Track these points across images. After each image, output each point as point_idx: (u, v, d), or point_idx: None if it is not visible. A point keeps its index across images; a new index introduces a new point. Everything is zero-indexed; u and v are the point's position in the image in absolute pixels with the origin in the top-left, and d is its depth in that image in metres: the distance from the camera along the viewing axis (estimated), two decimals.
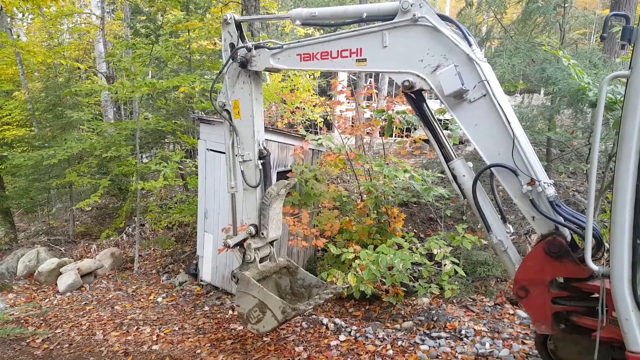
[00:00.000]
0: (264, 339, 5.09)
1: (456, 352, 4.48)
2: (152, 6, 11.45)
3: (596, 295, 3.11)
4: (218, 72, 4.69)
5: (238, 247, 4.60)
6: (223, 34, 4.38)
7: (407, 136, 11.90)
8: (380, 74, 12.50)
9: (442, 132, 3.88)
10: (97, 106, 14.70)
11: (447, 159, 3.76)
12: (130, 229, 10.21)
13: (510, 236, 3.53)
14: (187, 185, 9.61)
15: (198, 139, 7.29)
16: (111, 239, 9.99)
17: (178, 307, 6.67)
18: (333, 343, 4.84)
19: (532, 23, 8.07)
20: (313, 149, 7.04)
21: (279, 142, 6.57)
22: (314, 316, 5.48)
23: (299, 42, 4.07)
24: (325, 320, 5.31)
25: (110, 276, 8.45)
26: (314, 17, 4.01)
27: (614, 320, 2.70)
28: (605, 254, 3.53)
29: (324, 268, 6.35)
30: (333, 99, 10.66)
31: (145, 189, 8.65)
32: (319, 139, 6.33)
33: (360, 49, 3.76)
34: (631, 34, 2.49)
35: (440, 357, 4.39)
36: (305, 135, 6.44)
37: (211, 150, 6.86)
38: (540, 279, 3.28)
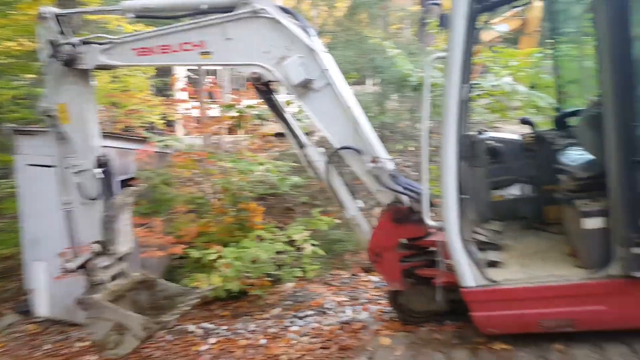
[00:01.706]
0: None
1: (323, 325, 4.76)
2: None
3: (433, 248, 3.64)
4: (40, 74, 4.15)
5: (82, 269, 4.13)
6: (39, 30, 3.87)
7: (255, 131, 12.03)
8: (220, 69, 12.35)
9: (293, 121, 4.07)
10: None
11: (301, 146, 3.97)
12: None
13: (360, 210, 3.90)
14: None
15: (14, 154, 6.28)
16: None
17: (10, 353, 5.68)
18: (203, 348, 4.69)
19: (358, 18, 8.91)
20: (159, 152, 6.68)
21: (118, 147, 6.04)
22: (179, 326, 5.24)
23: (134, 35, 3.83)
24: (192, 328, 5.12)
25: None
26: (148, 9, 3.80)
27: (449, 267, 3.19)
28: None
29: (185, 275, 6.11)
30: (172, 97, 10.21)
31: None
32: (164, 140, 6.03)
33: (204, 41, 3.68)
34: (447, 20, 2.95)
35: (309, 334, 4.62)
36: (148, 138, 6.07)
37: (33, 165, 5.96)
38: (389, 243, 3.70)
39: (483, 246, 3.45)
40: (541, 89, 6.06)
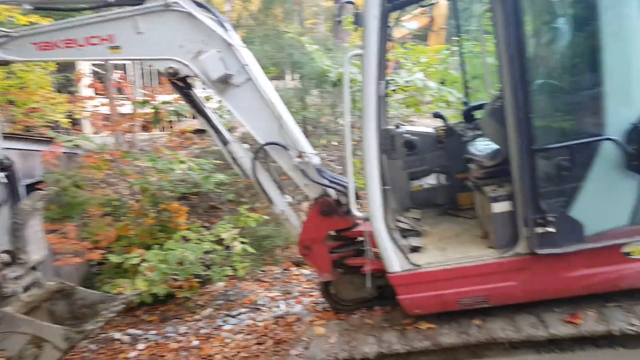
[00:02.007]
0: None
1: (257, 321, 4.78)
2: None
3: (360, 238, 3.79)
4: None
5: None
6: None
7: (173, 128, 11.59)
8: (132, 64, 11.71)
9: (214, 117, 4.00)
10: None
11: (224, 143, 3.91)
12: None
13: (289, 205, 3.95)
14: None
15: None
16: None
17: None
18: (132, 355, 4.51)
19: (273, 12, 8.89)
20: (67, 152, 6.21)
21: (20, 149, 5.53)
22: (103, 335, 4.97)
23: (34, 28, 3.55)
24: (117, 335, 4.88)
25: None
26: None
27: (376, 255, 3.36)
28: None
29: (105, 282, 5.78)
30: (77, 94, 9.48)
31: None
32: (72, 139, 5.63)
33: (112, 35, 3.51)
34: (361, 19, 3.07)
35: (244, 331, 4.61)
36: (54, 138, 5.63)
37: None
38: (318, 236, 3.79)
39: (405, 233, 3.66)
40: (450, 84, 6.51)
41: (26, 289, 3.87)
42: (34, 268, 3.97)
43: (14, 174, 3.84)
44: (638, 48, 2.69)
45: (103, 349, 4.71)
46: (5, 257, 3.70)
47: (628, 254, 2.81)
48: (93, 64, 11.26)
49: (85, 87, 10.48)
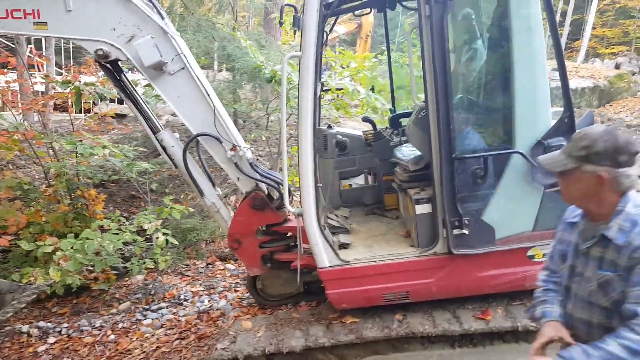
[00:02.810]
0: None
1: (179, 316, 4.68)
2: None
3: (290, 234, 3.88)
4: None
5: None
6: None
7: (90, 111, 10.89)
8: (45, 40, 10.81)
9: (145, 104, 3.87)
10: None
11: (154, 131, 3.80)
12: None
13: (219, 198, 3.92)
14: None
15: None
16: None
17: None
18: (41, 348, 4.23)
19: (205, 2, 8.66)
20: None
21: None
22: (7, 327, 4.60)
23: None
24: (25, 328, 4.54)
25: None
26: None
27: (306, 251, 3.46)
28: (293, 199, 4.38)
29: (12, 270, 5.33)
30: None
31: None
32: None
33: (37, 10, 3.30)
34: (299, 22, 3.14)
35: (165, 325, 4.50)
36: None
37: None
38: (248, 230, 3.82)
39: (335, 230, 3.82)
40: (377, 92, 6.79)
41: None
42: None
43: None
44: (543, 73, 3.02)
45: (8, 342, 4.37)
46: None
47: (532, 256, 3.14)
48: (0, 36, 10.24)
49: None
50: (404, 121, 4.63)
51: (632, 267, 1.48)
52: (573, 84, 14.68)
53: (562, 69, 2.97)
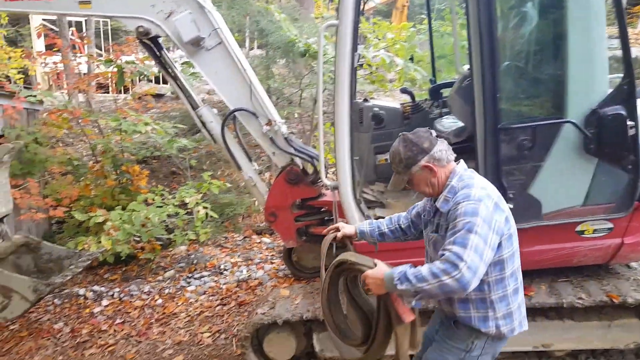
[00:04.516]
0: (11, 327, 4.35)
1: (220, 284, 4.89)
2: None
3: (325, 208, 3.90)
4: None
5: None
6: None
7: (130, 90, 11.20)
8: (86, 22, 11.13)
9: (184, 80, 3.94)
10: None
11: (193, 106, 3.88)
12: None
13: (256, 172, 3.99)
14: None
15: None
16: None
17: None
18: (96, 310, 4.56)
19: None
20: (28, 109, 5.94)
21: None
22: (66, 290, 4.95)
23: None
24: (81, 291, 4.88)
25: None
26: None
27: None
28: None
29: (65, 240, 5.69)
30: (33, 50, 8.97)
31: None
32: (36, 94, 5.39)
33: None
34: None
35: (207, 292, 4.71)
36: (15, 92, 5.36)
37: None
38: (284, 204, 3.86)
39: (370, 204, 3.81)
40: (415, 63, 6.62)
41: None
42: (0, 221, 3.90)
43: None
44: (601, 36, 2.81)
45: (67, 304, 4.71)
46: None
47: (581, 232, 3.00)
48: (44, 19, 10.60)
49: (40, 43, 9.91)
50: (445, 92, 4.49)
51: (448, 226, 1.87)
52: (632, 52, 13.71)
53: (623, 31, 2.72)
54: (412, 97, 4.67)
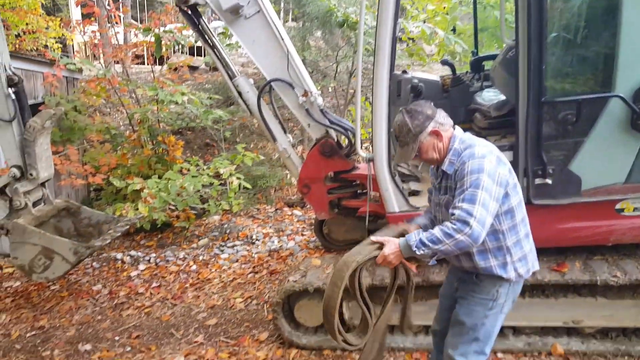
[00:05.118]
0: (52, 287, 4.59)
1: (252, 253, 4.98)
2: None
3: (358, 182, 3.88)
4: None
5: (1, 194, 3.89)
6: None
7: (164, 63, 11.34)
8: None
9: (222, 49, 3.94)
10: None
11: (231, 76, 3.88)
12: None
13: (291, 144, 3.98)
14: None
15: None
16: None
17: None
18: (133, 273, 4.74)
19: None
20: (67, 77, 6.10)
21: (22, 69, 5.42)
22: (104, 255, 5.17)
23: None
24: (119, 256, 5.08)
25: None
26: None
27: (373, 198, 3.46)
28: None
29: (103, 207, 5.91)
30: (70, 18, 9.12)
31: None
32: (76, 63, 5.52)
33: None
34: None
35: (240, 260, 4.82)
36: (56, 60, 5.50)
37: None
38: (317, 176, 3.84)
39: (405, 178, 3.77)
40: (457, 34, 6.40)
41: (34, 204, 3.99)
42: (42, 185, 4.06)
43: (22, 90, 3.83)
44: None
45: (105, 267, 4.92)
46: (16, 172, 3.78)
47: (621, 210, 2.91)
48: None
49: (77, 12, 10.04)
50: (488, 64, 4.35)
51: (456, 185, 1.98)
52: None
53: None
54: (453, 69, 4.53)
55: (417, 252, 1.93)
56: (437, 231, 1.89)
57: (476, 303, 2.15)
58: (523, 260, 2.12)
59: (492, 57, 4.23)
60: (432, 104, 2.15)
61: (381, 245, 2.08)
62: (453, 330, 2.24)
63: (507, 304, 2.17)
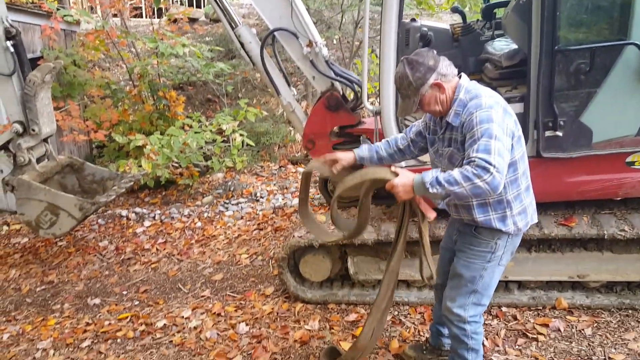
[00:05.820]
0: (59, 243, 4.65)
1: (257, 210, 4.99)
2: None
3: (364, 136, 3.79)
4: None
5: (3, 150, 3.86)
6: None
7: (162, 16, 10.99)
8: None
9: None
10: None
11: (232, 26, 3.72)
12: None
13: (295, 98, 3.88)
14: None
15: None
16: None
17: None
18: (139, 230, 4.78)
19: None
20: (65, 30, 5.91)
21: (19, 21, 5.23)
22: (109, 211, 5.19)
23: None
24: (124, 212, 5.10)
25: None
26: None
27: None
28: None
29: (107, 163, 5.88)
30: None
31: None
32: (73, 14, 5.33)
33: None
34: None
35: (244, 217, 4.83)
36: (53, 12, 5.30)
37: None
38: (323, 131, 3.74)
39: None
40: None
41: (38, 160, 3.97)
42: (45, 140, 4.02)
43: (21, 44, 3.71)
44: None
45: (111, 224, 4.96)
46: (19, 127, 3.73)
47: (631, 163, 2.85)
48: None
49: None
50: (499, 12, 4.15)
51: (465, 138, 1.93)
52: None
53: None
54: (464, 17, 4.34)
55: (430, 190, 1.86)
56: (456, 173, 1.82)
57: (474, 256, 2.14)
58: (523, 213, 2.10)
59: (505, 4, 4.03)
60: (434, 52, 2.04)
61: (397, 174, 2.01)
62: (451, 282, 2.25)
63: (505, 256, 2.16)
